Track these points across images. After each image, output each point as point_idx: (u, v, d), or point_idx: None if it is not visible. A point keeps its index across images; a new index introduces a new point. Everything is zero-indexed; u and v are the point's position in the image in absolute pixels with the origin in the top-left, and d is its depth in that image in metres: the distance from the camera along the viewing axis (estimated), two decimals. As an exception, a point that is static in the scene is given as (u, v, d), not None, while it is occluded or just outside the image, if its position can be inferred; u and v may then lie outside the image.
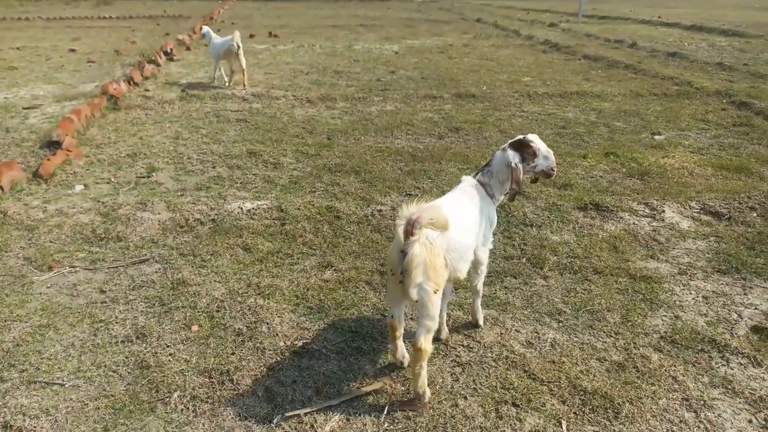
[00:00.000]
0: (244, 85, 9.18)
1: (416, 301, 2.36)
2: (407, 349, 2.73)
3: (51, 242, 4.13)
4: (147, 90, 9.13)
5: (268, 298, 3.39)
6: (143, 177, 5.42)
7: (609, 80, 10.21)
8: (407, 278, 2.27)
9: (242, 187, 5.19)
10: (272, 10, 29.62)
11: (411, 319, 3.15)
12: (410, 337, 2.52)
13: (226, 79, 9.48)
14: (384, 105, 8.43)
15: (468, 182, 2.88)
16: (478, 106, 8.34)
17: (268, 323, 3.15)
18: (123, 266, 3.81)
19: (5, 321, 3.18)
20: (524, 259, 3.83)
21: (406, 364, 2.72)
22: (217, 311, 3.27)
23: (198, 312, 3.26)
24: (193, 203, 4.78)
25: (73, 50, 13.41)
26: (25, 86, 9.44)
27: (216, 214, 4.55)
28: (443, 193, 4.98)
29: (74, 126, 6.55)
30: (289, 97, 8.77)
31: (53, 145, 6.00)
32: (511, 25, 20.43)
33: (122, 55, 12.61)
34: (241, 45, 8.69)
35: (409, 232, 2.19)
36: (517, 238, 4.11)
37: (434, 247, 2.34)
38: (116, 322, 3.18)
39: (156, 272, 3.72)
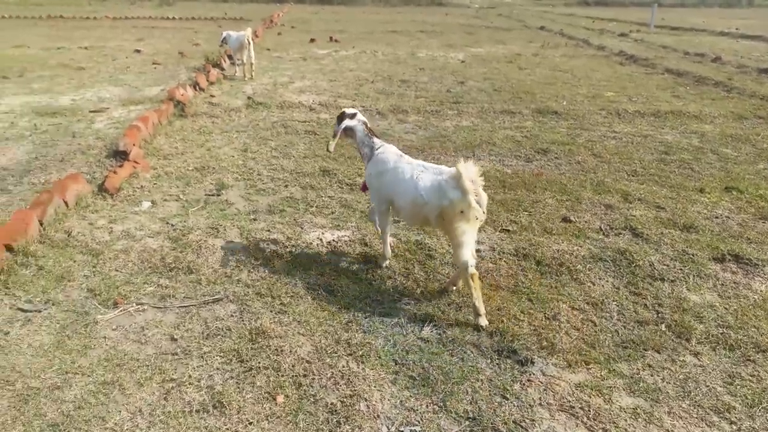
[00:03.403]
0: (252, 75, 10.43)
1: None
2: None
3: (117, 271, 3.75)
4: (212, 96, 8.85)
5: (363, 362, 2.88)
6: (213, 195, 5.03)
7: (702, 98, 9.34)
8: (483, 215, 3.17)
9: (318, 212, 4.72)
10: (330, 14, 29.53)
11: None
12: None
13: (236, 69, 10.88)
14: (459, 120, 7.85)
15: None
16: (562, 125, 7.66)
17: (366, 399, 2.63)
18: (195, 306, 3.37)
19: (67, 373, 2.78)
20: (663, 325, 3.19)
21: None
22: (305, 376, 2.77)
23: (282, 376, 2.77)
24: (268, 230, 4.33)
25: (138, 51, 13.40)
26: (91, 88, 9.33)
27: (293, 245, 4.09)
28: (545, 230, 4.42)
29: (141, 134, 6.26)
30: (357, 108, 8.29)
31: (120, 155, 5.70)
32: (578, 34, 19.53)
33: (186, 58, 12.48)
34: (251, 41, 10.00)
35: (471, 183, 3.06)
36: (649, 297, 3.47)
37: None
38: (190, 383, 2.73)
39: (231, 316, 3.27)
